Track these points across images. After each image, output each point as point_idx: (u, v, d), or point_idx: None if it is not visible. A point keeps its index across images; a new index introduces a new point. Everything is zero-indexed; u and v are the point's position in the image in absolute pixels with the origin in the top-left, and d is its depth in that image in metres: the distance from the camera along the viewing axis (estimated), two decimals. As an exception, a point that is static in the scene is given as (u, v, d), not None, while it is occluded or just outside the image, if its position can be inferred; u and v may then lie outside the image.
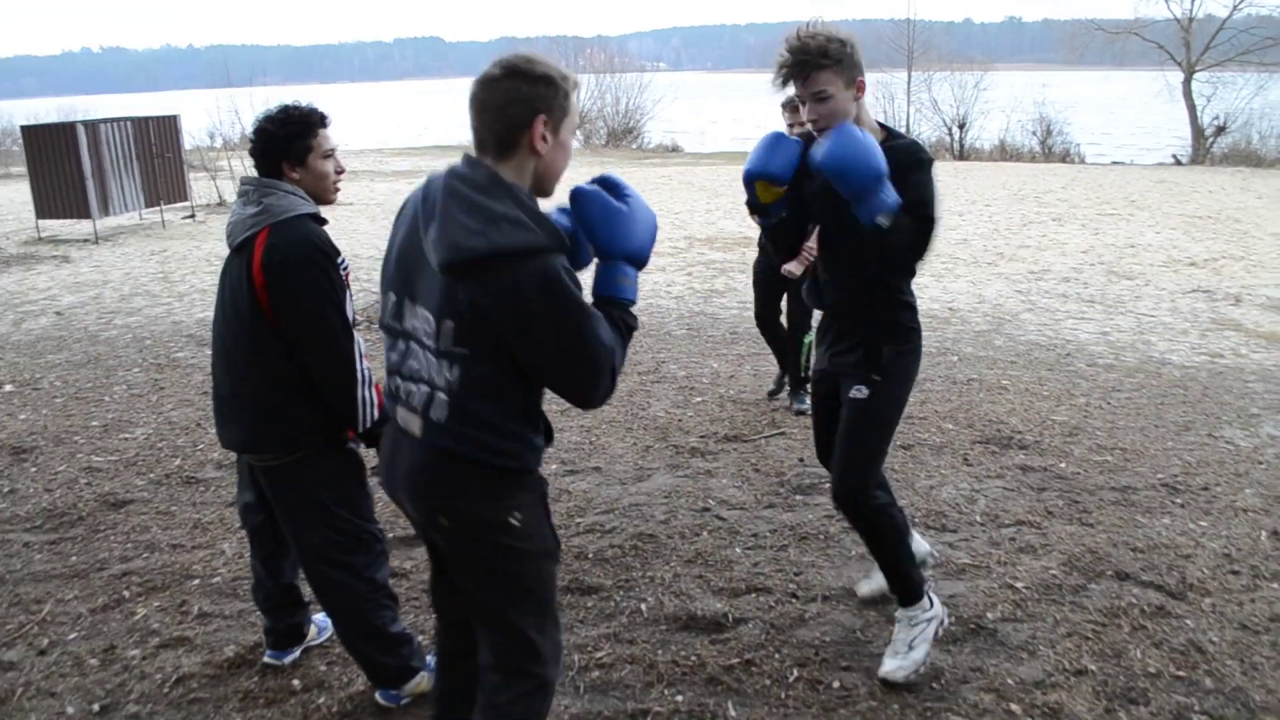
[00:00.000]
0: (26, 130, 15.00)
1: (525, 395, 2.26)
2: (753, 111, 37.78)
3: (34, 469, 5.57)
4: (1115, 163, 26.84)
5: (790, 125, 5.61)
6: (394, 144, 36.53)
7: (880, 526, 3.34)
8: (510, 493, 2.28)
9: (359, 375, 3.00)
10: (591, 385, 2.20)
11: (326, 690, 3.39)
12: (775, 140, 3.21)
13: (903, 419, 5.89)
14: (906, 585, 3.43)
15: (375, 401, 3.05)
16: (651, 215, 2.37)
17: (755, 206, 3.36)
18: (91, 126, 14.56)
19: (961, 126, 29.70)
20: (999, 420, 6.02)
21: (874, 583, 3.88)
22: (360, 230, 14.54)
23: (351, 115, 61.76)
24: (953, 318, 8.91)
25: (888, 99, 30.51)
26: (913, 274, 3.36)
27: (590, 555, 4.32)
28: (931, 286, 10.20)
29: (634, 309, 2.35)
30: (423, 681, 3.27)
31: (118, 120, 15.11)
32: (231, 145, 21.36)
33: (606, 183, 2.35)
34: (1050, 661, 3.46)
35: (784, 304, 6.26)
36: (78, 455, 5.76)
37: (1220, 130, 27.68)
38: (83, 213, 14.47)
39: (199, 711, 3.31)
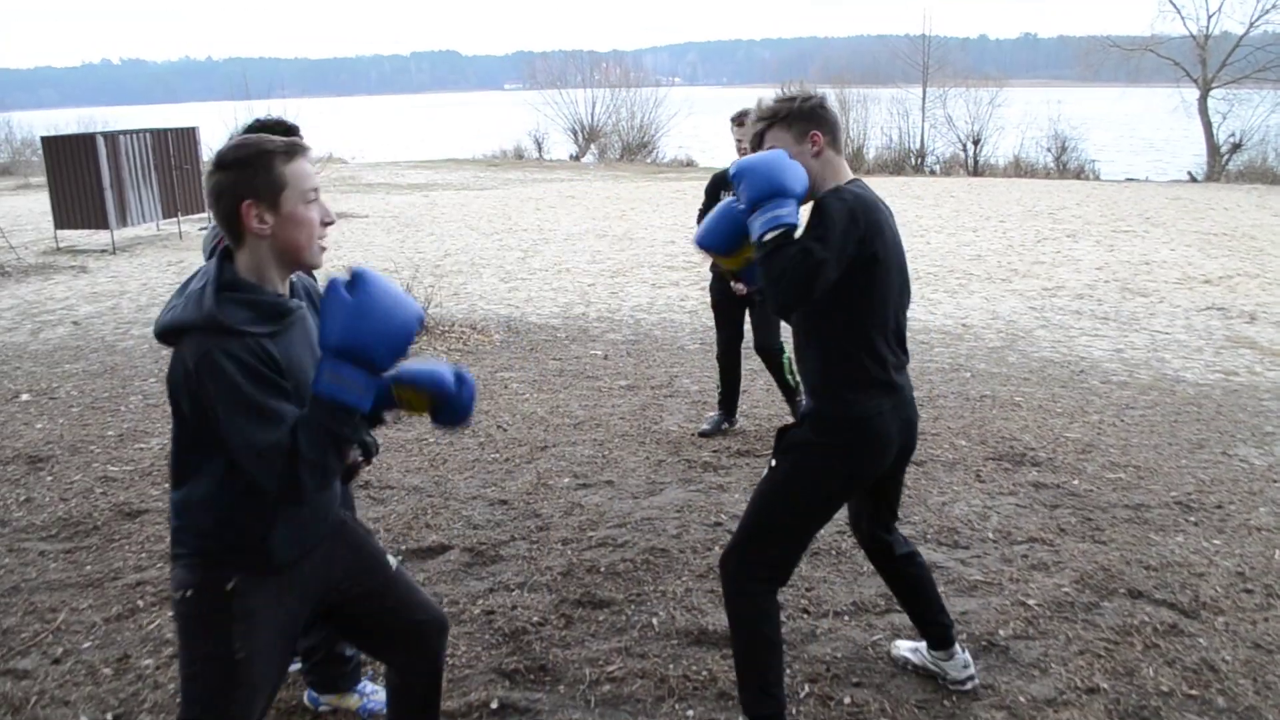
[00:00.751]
0: (46, 141, 15.14)
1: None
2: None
3: (50, 478, 5.61)
4: (1130, 179, 26.79)
5: (739, 141, 5.72)
6: (410, 157, 36.68)
7: (737, 618, 3.04)
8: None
9: None
10: (262, 475, 2.11)
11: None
12: (723, 211, 3.02)
13: (923, 436, 5.93)
14: (749, 700, 3.04)
15: None
16: (394, 315, 2.16)
17: (728, 274, 3.31)
18: (111, 138, 14.68)
19: (976, 142, 29.69)
20: (1012, 437, 6.01)
21: (908, 650, 3.60)
22: (376, 243, 14.62)
23: (368, 128, 62.02)
24: (966, 334, 8.90)
25: (902, 115, 30.52)
26: (869, 351, 2.91)
27: (602, 569, 4.33)
28: (945, 302, 10.20)
29: (351, 416, 2.15)
30: (352, 700, 3.35)
31: (137, 132, 15.23)
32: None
33: (352, 274, 2.18)
34: (1062, 679, 3.45)
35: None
36: (93, 465, 5.80)
37: (1236, 147, 27.61)
38: (101, 223, 14.58)
39: (211, 721, 3.32)
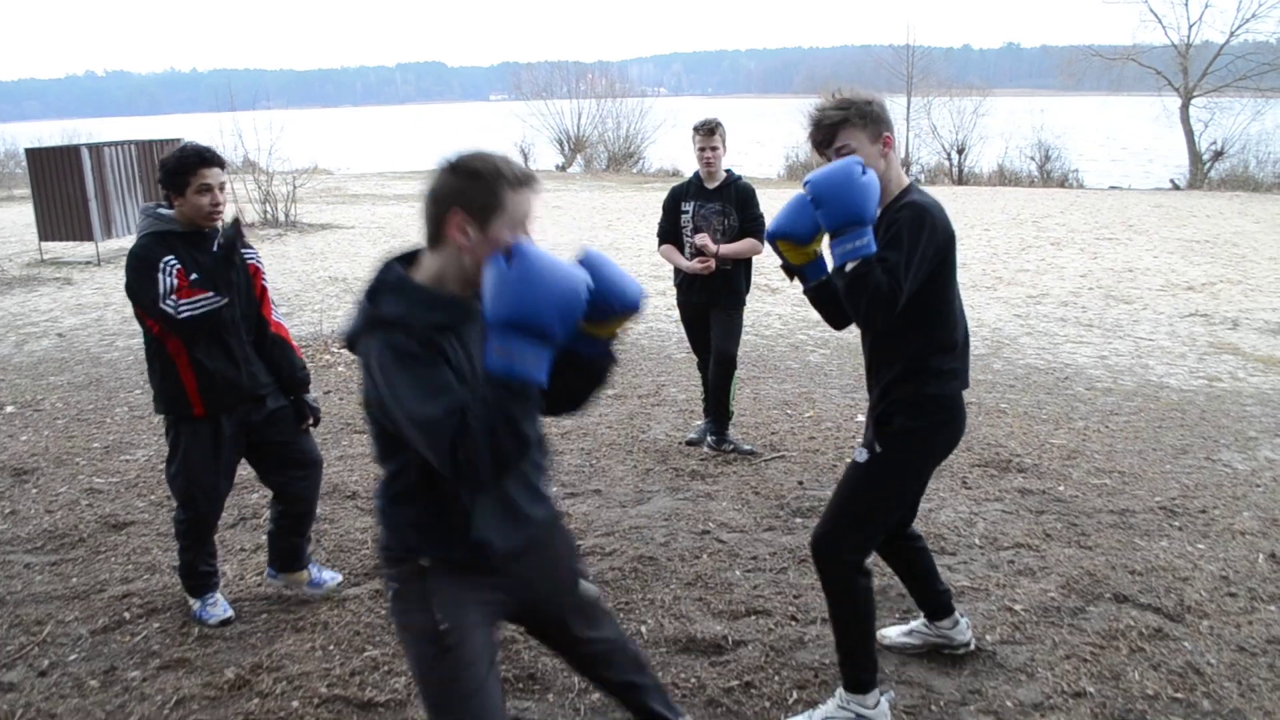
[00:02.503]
0: (31, 153, 15.09)
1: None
2: (754, 136, 37.92)
3: (35, 490, 5.58)
4: (1113, 187, 26.97)
5: (701, 149, 5.75)
6: (395, 168, 36.66)
7: (839, 595, 3.19)
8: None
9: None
10: (433, 456, 2.10)
11: (332, 711, 3.40)
12: (800, 201, 3.05)
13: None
14: (851, 669, 3.22)
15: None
16: (558, 280, 2.09)
17: (789, 269, 3.28)
18: (95, 150, 14.63)
19: (960, 151, 29.86)
20: (998, 443, 6.03)
21: (900, 634, 3.76)
22: (361, 253, 14.60)
23: (353, 139, 61.96)
24: (952, 341, 8.93)
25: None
26: (943, 341, 3.14)
27: (590, 578, 4.32)
28: (930, 310, 10.23)
29: (525, 379, 2.08)
30: (302, 576, 4.30)
31: (121, 143, 15.18)
32: (234, 169, 21.43)
33: (510, 249, 2.14)
34: (1049, 684, 3.47)
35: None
36: (79, 477, 5.78)
37: (1218, 155, 27.82)
38: (85, 235, 14.53)
39: (199, 733, 3.32)
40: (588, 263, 2.27)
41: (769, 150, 32.61)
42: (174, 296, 3.70)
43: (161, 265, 3.74)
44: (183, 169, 3.76)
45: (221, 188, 3.85)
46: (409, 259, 2.31)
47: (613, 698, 2.80)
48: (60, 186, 14.45)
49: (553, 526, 2.56)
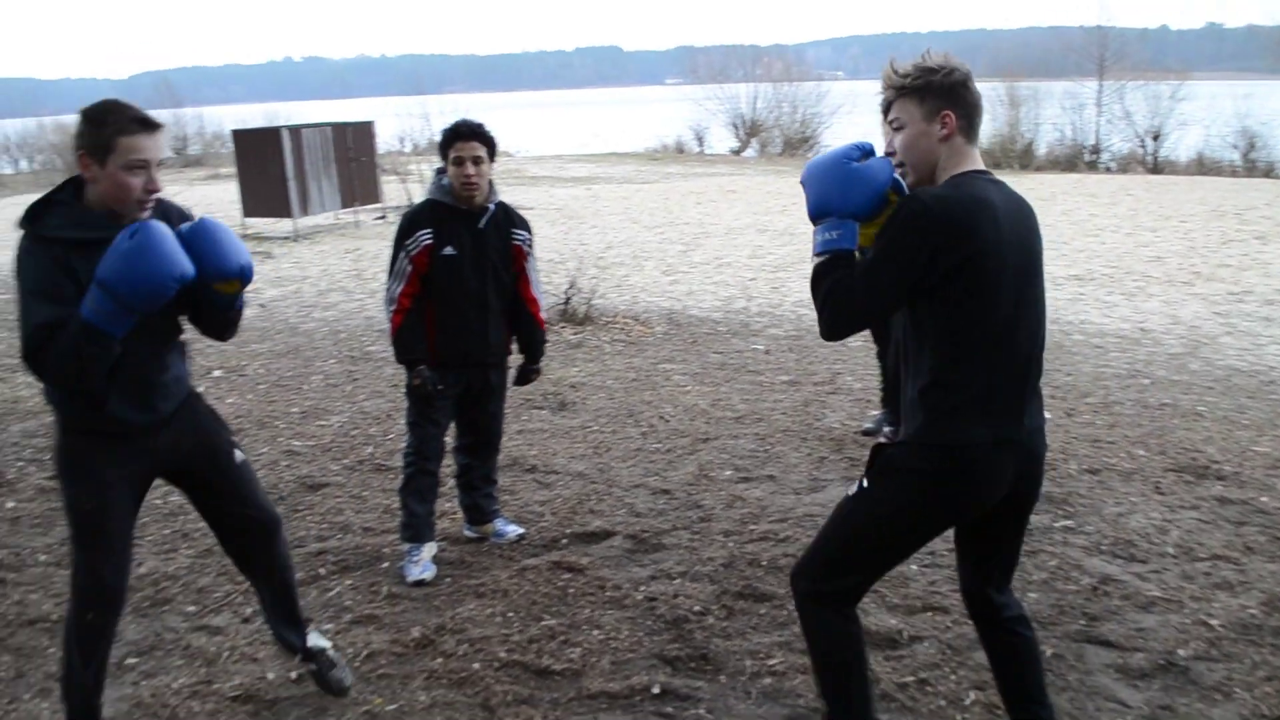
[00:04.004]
0: (237, 134, 16.02)
1: None
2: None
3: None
4: (1327, 179, 25.12)
5: (887, 136, 5.56)
6: (572, 150, 37.25)
7: (807, 630, 2.82)
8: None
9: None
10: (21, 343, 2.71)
11: (511, 676, 3.51)
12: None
13: (1091, 442, 5.72)
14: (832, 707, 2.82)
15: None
16: (156, 268, 2.61)
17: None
18: (294, 131, 15.40)
19: (1156, 138, 28.32)
20: (1194, 448, 5.73)
21: None
22: (541, 234, 14.82)
23: (532, 122, 63.28)
24: (1144, 339, 8.53)
25: (1076, 109, 29.34)
26: (966, 377, 2.56)
27: (764, 563, 4.33)
28: (1122, 305, 9.79)
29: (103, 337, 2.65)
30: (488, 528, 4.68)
31: (317, 126, 15.94)
32: (420, 150, 22.21)
33: (134, 225, 2.68)
34: (1247, 705, 3.28)
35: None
36: (279, 439, 6.11)
37: None
38: (284, 212, 15.33)
39: (386, 687, 3.47)
40: (195, 234, 2.77)
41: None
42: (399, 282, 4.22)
43: (411, 239, 4.20)
44: (443, 140, 4.20)
45: (476, 162, 4.15)
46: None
47: (251, 581, 3.42)
48: (262, 166, 15.29)
49: (195, 414, 3.10)
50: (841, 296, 2.57)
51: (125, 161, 2.68)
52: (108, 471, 2.90)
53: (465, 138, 4.14)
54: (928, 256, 2.46)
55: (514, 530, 4.69)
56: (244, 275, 2.85)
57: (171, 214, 2.92)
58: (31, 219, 2.71)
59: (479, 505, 4.68)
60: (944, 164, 2.61)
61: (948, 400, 2.56)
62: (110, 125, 2.67)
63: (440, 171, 4.28)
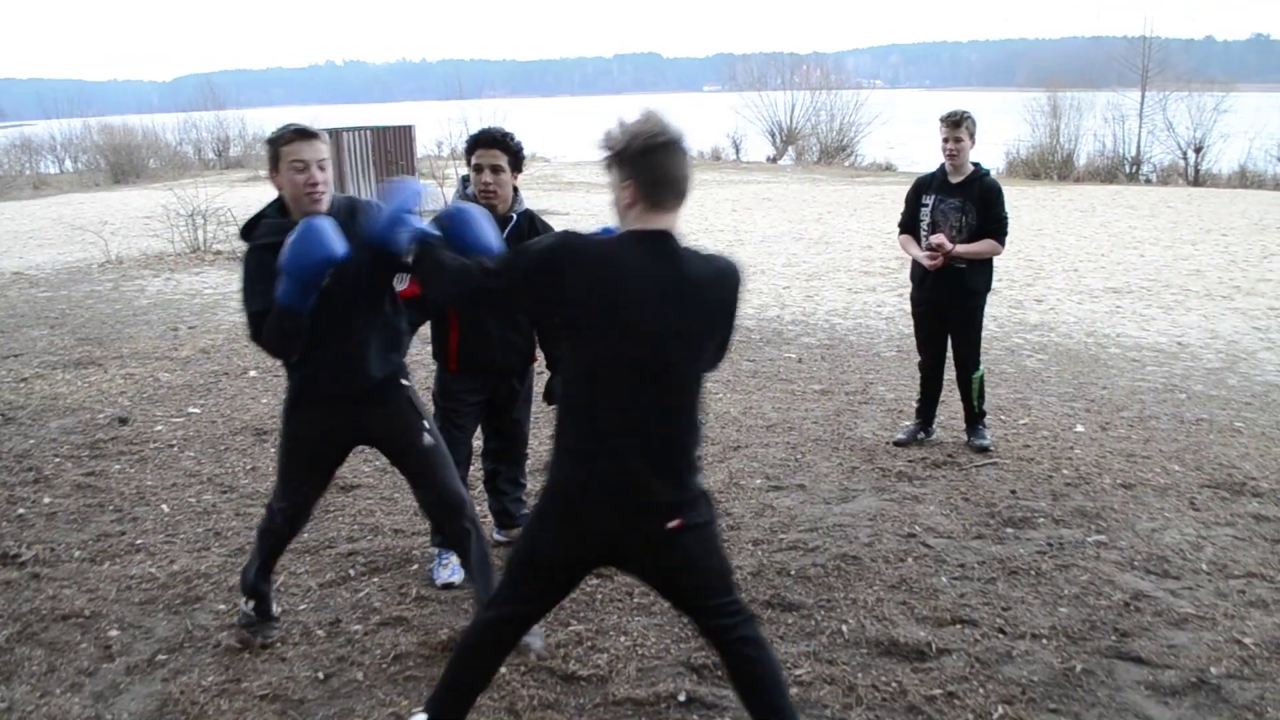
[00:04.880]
0: (278, 136, 16.13)
1: None
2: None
3: (273, 449, 5.96)
4: (1373, 193, 24.67)
5: (945, 141, 5.63)
6: (609, 156, 37.23)
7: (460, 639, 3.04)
8: None
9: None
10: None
11: (537, 680, 3.51)
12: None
13: (1125, 456, 5.66)
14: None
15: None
16: (311, 251, 3.11)
17: None
18: (335, 134, 15.56)
19: (1198, 150, 27.95)
20: (1231, 464, 5.64)
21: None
22: (575, 239, 14.91)
23: (570, 128, 63.39)
24: (1182, 353, 8.42)
25: (1118, 120, 29.00)
26: (572, 414, 2.75)
27: (792, 572, 4.31)
28: (1159, 319, 9.67)
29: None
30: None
31: (359, 129, 16.08)
32: (458, 155, 22.32)
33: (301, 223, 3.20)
34: (1282, 725, 3.23)
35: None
36: (313, 440, 6.14)
37: None
38: (323, 214, 15.44)
39: (414, 689, 3.49)
40: (451, 216, 3.16)
41: (987, 146, 31.44)
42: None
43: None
44: (467, 146, 4.26)
45: (496, 170, 4.16)
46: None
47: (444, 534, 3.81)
48: (303, 168, 15.41)
49: (387, 393, 3.53)
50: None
51: (289, 164, 3.28)
52: (305, 430, 3.56)
53: (486, 145, 4.13)
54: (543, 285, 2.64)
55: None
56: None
57: (359, 207, 3.46)
58: (246, 232, 3.44)
59: (507, 510, 4.70)
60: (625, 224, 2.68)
61: (565, 437, 2.78)
62: (278, 140, 3.31)
63: (465, 180, 4.29)
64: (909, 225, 5.88)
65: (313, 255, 3.12)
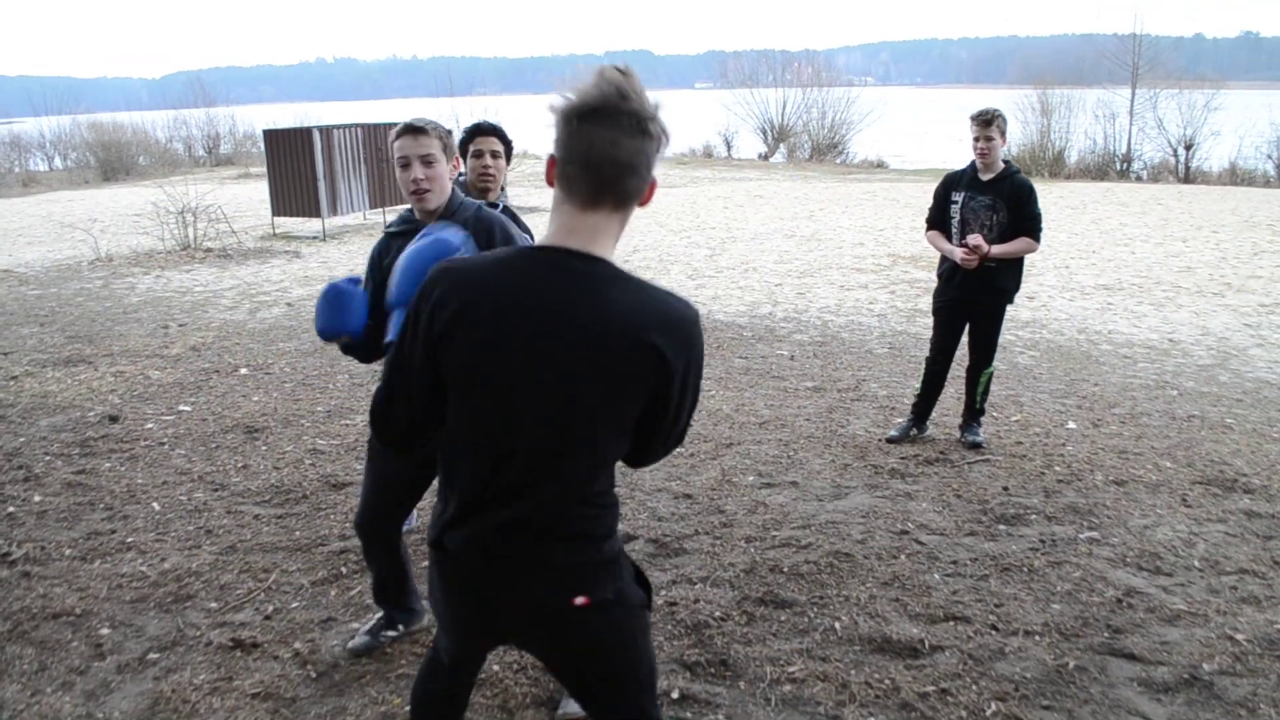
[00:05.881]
0: (268, 134, 16.08)
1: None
2: (962, 131, 36.70)
3: (264, 447, 5.96)
4: (1363, 190, 24.76)
5: (975, 139, 5.64)
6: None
7: None
8: None
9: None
10: None
11: (529, 678, 3.50)
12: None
13: (1117, 453, 5.68)
14: None
15: None
16: (327, 320, 3.19)
17: None
18: (326, 132, 15.47)
19: (1188, 148, 28.05)
20: (1222, 461, 5.66)
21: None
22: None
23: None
24: (1173, 349, 8.44)
25: (1109, 118, 29.08)
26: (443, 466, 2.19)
27: (785, 569, 4.31)
28: (1150, 315, 9.69)
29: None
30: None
31: (349, 126, 16.01)
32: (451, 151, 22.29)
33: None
34: (1274, 721, 3.24)
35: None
36: (304, 437, 6.14)
37: None
38: (313, 212, 15.41)
39: (406, 687, 3.46)
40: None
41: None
42: None
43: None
44: (464, 136, 4.41)
45: (495, 155, 4.38)
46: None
47: None
48: (293, 166, 15.37)
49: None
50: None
51: (396, 160, 3.33)
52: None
53: (486, 133, 4.39)
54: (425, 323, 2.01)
55: None
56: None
57: (490, 228, 3.32)
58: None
59: None
60: (549, 225, 2.04)
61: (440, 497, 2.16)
62: (393, 136, 3.34)
63: (459, 175, 4.31)
64: (937, 222, 5.87)
65: (328, 327, 3.19)
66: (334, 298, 3.17)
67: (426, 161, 3.27)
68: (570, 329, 1.91)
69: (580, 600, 2.04)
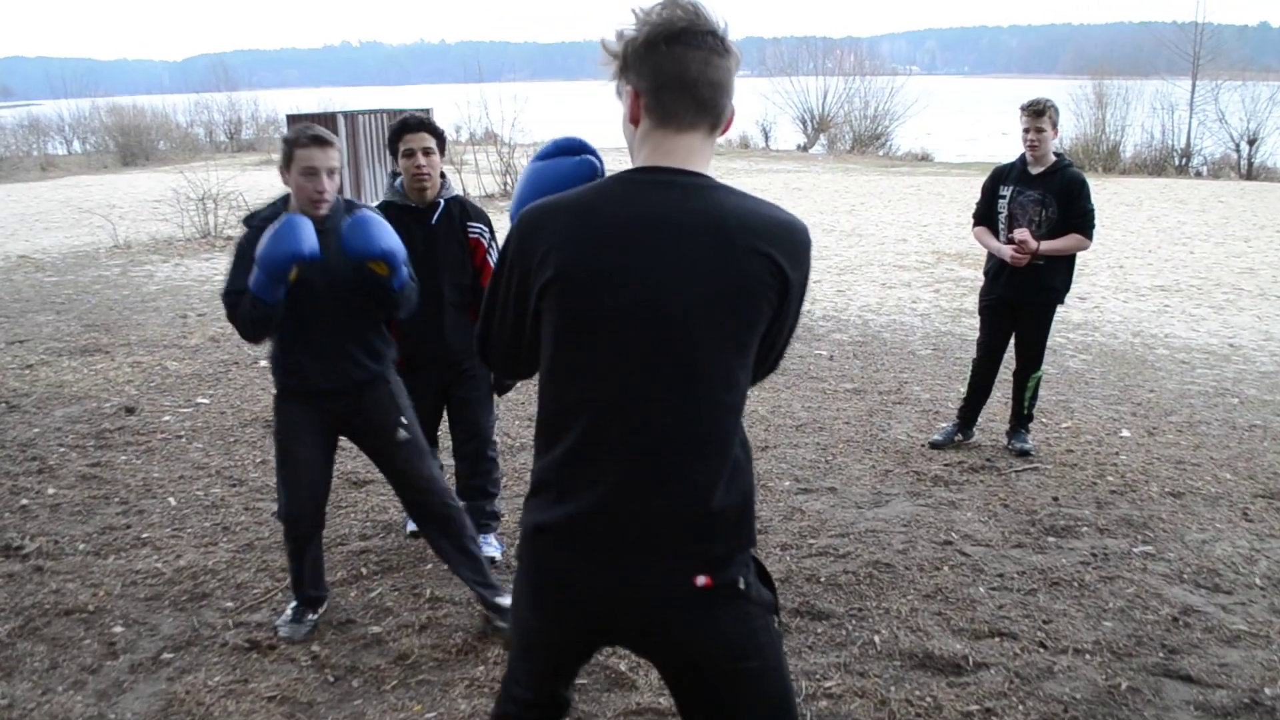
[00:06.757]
0: (292, 119, 16.20)
1: None
2: (1009, 123, 36.45)
3: (285, 444, 5.99)
4: None
5: (1025, 131, 5.59)
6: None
7: None
8: None
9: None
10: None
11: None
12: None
13: (1174, 463, 5.61)
14: None
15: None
16: (279, 248, 3.37)
17: None
18: (350, 117, 15.58)
19: (1252, 143, 27.68)
20: (1286, 473, 5.58)
21: None
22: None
23: (593, 112, 63.39)
24: (1234, 355, 8.32)
25: (1167, 110, 28.75)
26: (541, 436, 2.04)
27: (822, 579, 4.29)
28: (1210, 319, 9.57)
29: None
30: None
31: (374, 112, 16.10)
32: (477, 140, 22.35)
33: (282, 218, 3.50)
34: (1340, 750, 3.18)
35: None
36: (324, 434, 6.15)
37: None
38: (337, 199, 15.47)
39: (426, 694, 3.49)
40: (352, 223, 3.49)
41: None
42: None
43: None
44: (391, 135, 4.35)
45: (426, 152, 4.24)
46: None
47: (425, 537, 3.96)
48: (317, 151, 15.45)
49: (371, 386, 3.76)
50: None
51: (300, 168, 3.51)
52: (294, 416, 3.75)
53: (414, 129, 4.23)
54: (517, 281, 1.98)
55: (491, 549, 4.52)
56: (388, 257, 3.51)
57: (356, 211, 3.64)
58: (249, 218, 3.68)
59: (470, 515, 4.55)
60: (635, 157, 2.02)
61: (537, 469, 2.03)
62: (294, 142, 3.51)
63: (394, 175, 4.36)
64: (985, 217, 5.81)
65: (281, 250, 3.37)
66: (293, 224, 3.42)
67: (331, 174, 3.57)
68: (688, 240, 1.88)
69: (702, 580, 1.92)
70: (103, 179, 25.04)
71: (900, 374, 7.61)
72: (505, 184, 18.48)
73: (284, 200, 3.69)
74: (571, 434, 1.93)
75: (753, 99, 37.87)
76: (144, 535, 4.75)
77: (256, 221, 3.62)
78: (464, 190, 18.95)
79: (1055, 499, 5.18)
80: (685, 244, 1.88)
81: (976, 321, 6.01)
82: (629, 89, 1.96)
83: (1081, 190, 5.53)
